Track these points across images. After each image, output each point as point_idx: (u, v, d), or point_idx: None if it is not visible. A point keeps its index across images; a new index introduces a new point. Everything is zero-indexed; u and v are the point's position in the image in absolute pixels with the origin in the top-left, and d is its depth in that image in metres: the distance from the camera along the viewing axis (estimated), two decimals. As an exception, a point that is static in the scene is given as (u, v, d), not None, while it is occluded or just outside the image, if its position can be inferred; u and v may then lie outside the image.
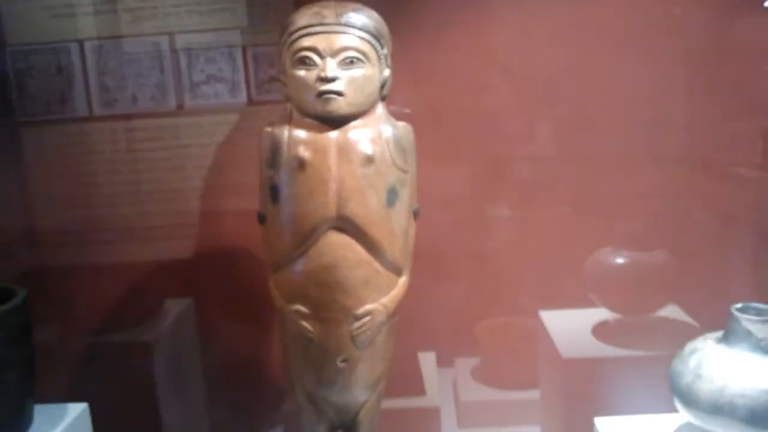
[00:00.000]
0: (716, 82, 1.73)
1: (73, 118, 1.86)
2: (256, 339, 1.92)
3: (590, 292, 1.78)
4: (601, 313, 1.80)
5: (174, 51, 1.82)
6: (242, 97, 1.83)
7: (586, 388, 1.69)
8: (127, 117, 1.86)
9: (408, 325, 1.62)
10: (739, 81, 1.73)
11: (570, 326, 1.80)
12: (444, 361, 1.95)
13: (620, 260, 1.73)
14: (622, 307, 1.77)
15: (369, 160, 1.22)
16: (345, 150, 1.21)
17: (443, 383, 1.94)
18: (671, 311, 1.78)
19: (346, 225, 1.22)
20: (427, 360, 1.91)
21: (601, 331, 1.79)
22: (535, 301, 1.86)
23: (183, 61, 1.83)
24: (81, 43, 1.82)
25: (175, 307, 1.95)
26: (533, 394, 1.90)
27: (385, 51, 1.27)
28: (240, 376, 1.93)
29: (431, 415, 1.82)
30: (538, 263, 1.82)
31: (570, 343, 1.75)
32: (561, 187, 1.81)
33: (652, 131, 1.77)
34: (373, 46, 1.24)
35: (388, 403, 1.64)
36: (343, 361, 1.27)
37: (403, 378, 1.82)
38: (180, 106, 1.84)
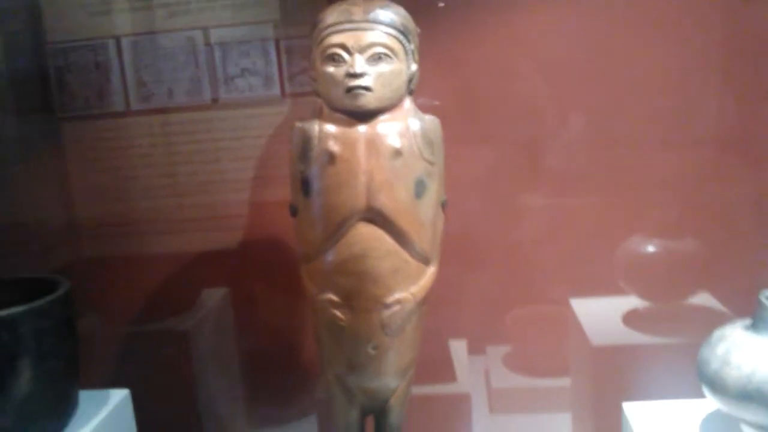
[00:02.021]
0: (749, 63, 1.72)
1: (111, 113, 1.90)
2: (291, 327, 1.95)
3: (621, 280, 1.78)
4: (632, 301, 1.81)
5: (208, 45, 1.85)
6: (276, 90, 1.86)
7: (616, 375, 1.70)
8: (164, 111, 1.90)
9: (440, 313, 1.65)
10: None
11: (601, 314, 1.81)
12: (476, 349, 1.97)
13: (651, 248, 1.73)
14: (653, 295, 1.78)
15: (397, 153, 1.24)
16: (374, 144, 1.23)
17: (476, 371, 1.96)
18: (702, 299, 1.78)
19: (375, 216, 1.24)
20: (458, 347, 1.93)
21: (631, 318, 1.80)
22: (566, 289, 1.86)
23: (217, 55, 1.86)
24: (118, 39, 1.87)
25: (213, 297, 2.00)
26: (564, 382, 1.92)
27: (412, 46, 1.28)
28: (275, 363, 1.97)
29: (462, 400, 1.84)
30: (569, 251, 1.83)
31: (600, 330, 1.76)
32: (591, 175, 1.81)
33: (683, 117, 1.75)
34: (400, 41, 1.25)
35: (421, 390, 1.67)
36: (374, 348, 1.30)
37: (435, 365, 1.85)
38: (215, 100, 1.88)
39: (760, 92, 1.73)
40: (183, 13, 1.85)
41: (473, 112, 1.80)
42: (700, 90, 1.75)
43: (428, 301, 1.35)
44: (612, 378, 1.70)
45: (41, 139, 1.97)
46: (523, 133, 1.81)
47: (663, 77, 1.74)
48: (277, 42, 1.83)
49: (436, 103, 1.68)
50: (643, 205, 1.78)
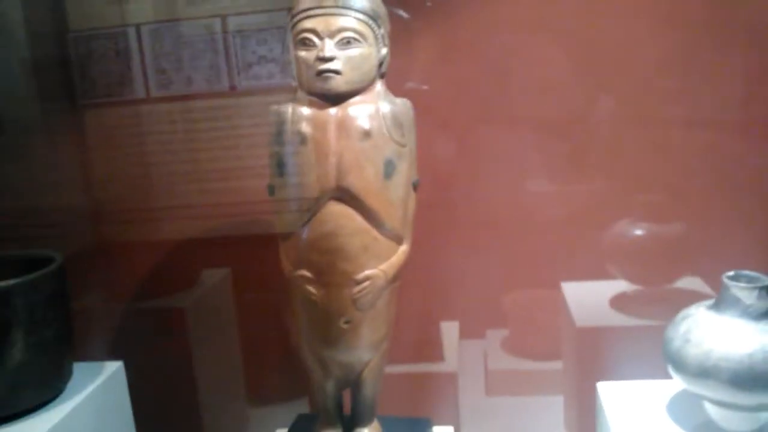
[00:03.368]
0: (739, 51, 1.71)
1: (131, 100, 1.96)
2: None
3: (609, 263, 1.79)
4: (621, 285, 1.82)
5: (226, 33, 1.90)
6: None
7: (606, 357, 1.71)
8: (183, 98, 1.95)
9: (435, 296, 1.68)
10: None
11: (590, 297, 1.83)
12: (475, 333, 1.99)
13: (639, 232, 1.74)
14: (641, 279, 1.79)
15: (366, 134, 1.28)
16: (344, 125, 1.28)
17: (475, 354, 1.99)
18: (690, 282, 1.78)
19: (345, 195, 1.29)
20: (450, 329, 1.96)
21: (620, 301, 1.81)
22: (557, 273, 1.88)
23: (235, 42, 1.90)
24: (138, 27, 1.92)
25: (216, 276, 2.06)
26: (558, 364, 1.94)
27: (383, 31, 1.32)
28: (272, 340, 2.02)
29: (448, 379, 1.88)
30: (559, 236, 1.84)
31: (589, 314, 1.78)
32: (582, 160, 1.82)
33: (674, 102, 1.75)
34: (369, 26, 1.29)
35: (412, 368, 1.71)
36: (346, 322, 1.34)
37: (423, 345, 1.88)
38: (233, 87, 1.92)
39: (751, 79, 1.72)
40: (201, 0, 1.89)
41: (466, 95, 1.81)
42: (691, 75, 1.74)
43: (401, 278, 1.39)
44: (602, 359, 1.72)
45: (63, 125, 2.04)
46: (515, 119, 1.82)
47: (654, 63, 1.73)
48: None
49: (425, 87, 1.71)
50: (631, 189, 1.78)
